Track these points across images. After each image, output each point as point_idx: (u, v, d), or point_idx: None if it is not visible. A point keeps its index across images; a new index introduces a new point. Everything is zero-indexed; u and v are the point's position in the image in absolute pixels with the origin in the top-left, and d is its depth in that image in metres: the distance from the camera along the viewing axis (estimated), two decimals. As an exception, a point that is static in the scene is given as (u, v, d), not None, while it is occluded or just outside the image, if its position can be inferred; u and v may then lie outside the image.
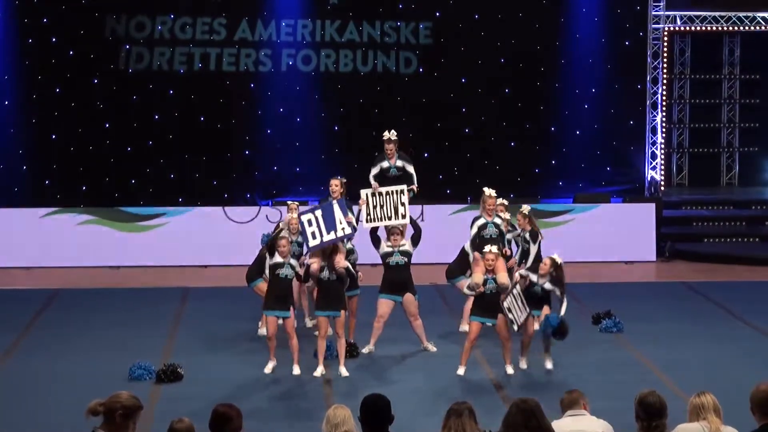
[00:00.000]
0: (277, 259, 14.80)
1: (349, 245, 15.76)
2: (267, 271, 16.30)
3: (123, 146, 24.36)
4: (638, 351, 15.85)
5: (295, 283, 15.61)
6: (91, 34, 24.31)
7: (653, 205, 23.45)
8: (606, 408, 9.76)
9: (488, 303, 14.61)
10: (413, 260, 15.89)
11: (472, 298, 16.77)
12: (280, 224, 16.83)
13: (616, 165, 25.81)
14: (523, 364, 14.89)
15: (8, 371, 15.11)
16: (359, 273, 15.57)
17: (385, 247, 15.69)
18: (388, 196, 16.47)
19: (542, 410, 7.08)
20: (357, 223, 15.67)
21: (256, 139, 24.80)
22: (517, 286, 14.81)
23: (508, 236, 16.54)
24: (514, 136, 25.32)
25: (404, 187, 16.55)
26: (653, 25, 25.39)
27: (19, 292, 20.18)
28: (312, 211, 15.38)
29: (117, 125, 24.37)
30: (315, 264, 14.87)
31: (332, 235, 15.19)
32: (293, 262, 14.96)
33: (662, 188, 25.57)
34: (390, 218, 16.51)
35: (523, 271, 15.09)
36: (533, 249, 16.70)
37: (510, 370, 14.71)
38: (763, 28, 25.85)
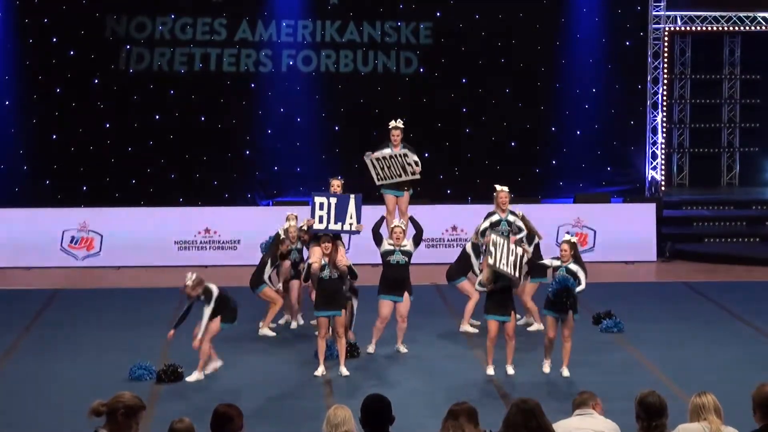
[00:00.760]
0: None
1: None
2: (266, 276, 16.40)
3: (123, 146, 24.37)
4: (638, 351, 15.84)
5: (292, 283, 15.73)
6: (91, 35, 24.32)
7: (653, 205, 23.44)
8: (607, 408, 9.74)
9: (501, 299, 14.57)
10: (412, 260, 15.85)
11: (473, 299, 16.85)
12: (279, 231, 16.86)
13: (617, 165, 25.82)
14: (546, 368, 14.73)
15: (8, 371, 15.11)
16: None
17: (386, 245, 15.60)
18: (392, 159, 16.54)
19: (542, 410, 7.08)
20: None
21: (256, 140, 24.81)
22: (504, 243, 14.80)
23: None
24: (514, 137, 25.33)
25: (407, 151, 16.62)
26: (654, 25, 25.39)
27: (20, 292, 20.18)
28: (327, 196, 15.42)
29: (117, 125, 24.38)
30: (316, 263, 14.86)
31: (338, 226, 15.24)
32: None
33: (663, 188, 25.57)
34: (400, 175, 16.60)
35: (546, 261, 15.07)
36: (530, 249, 16.75)
37: (510, 370, 14.65)
38: (763, 28, 25.85)
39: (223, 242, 22.29)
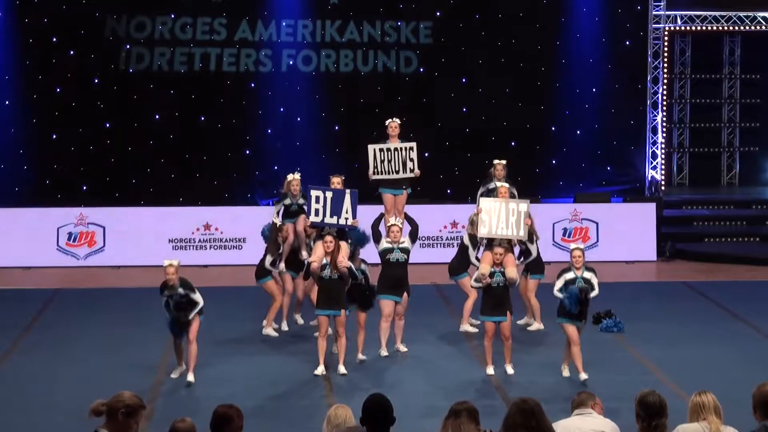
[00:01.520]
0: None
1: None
2: (268, 264, 16.40)
3: (123, 146, 24.38)
4: (638, 351, 15.85)
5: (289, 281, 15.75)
6: (91, 35, 24.34)
7: (654, 204, 23.44)
8: (607, 408, 9.74)
9: (496, 298, 14.54)
10: (411, 259, 15.82)
11: (472, 298, 16.84)
12: (275, 220, 16.81)
13: (617, 165, 25.83)
14: (566, 372, 14.60)
15: (8, 371, 15.11)
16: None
17: (384, 243, 15.60)
18: (396, 152, 16.53)
19: (542, 410, 7.07)
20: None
21: (256, 139, 24.82)
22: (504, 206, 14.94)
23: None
24: (514, 136, 25.33)
25: (413, 144, 16.65)
26: (654, 25, 25.40)
27: (19, 292, 20.18)
28: (323, 190, 15.43)
29: (117, 125, 24.40)
30: (315, 263, 14.83)
31: (334, 220, 15.23)
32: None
33: (663, 188, 25.57)
34: (398, 172, 16.57)
35: (559, 283, 14.35)
36: (532, 248, 16.78)
37: (510, 370, 14.66)
38: (763, 27, 25.86)
39: (225, 241, 22.30)
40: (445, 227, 22.39)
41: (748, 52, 27.59)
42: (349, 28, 24.95)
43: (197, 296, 14.37)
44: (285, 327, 17.06)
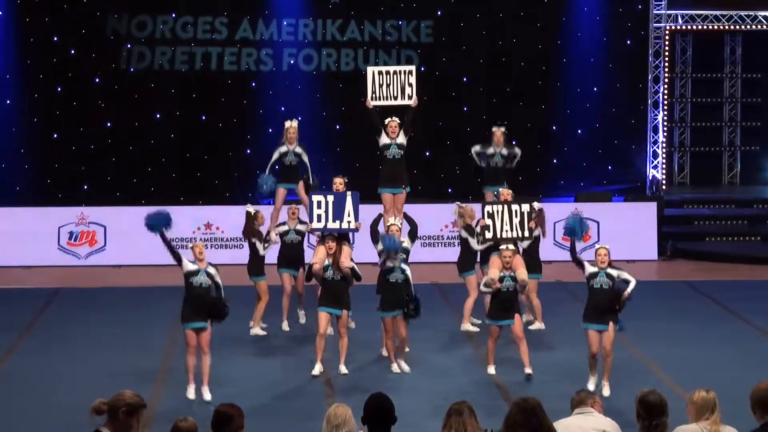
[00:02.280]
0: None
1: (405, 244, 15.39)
2: (263, 252, 16.41)
3: (124, 145, 24.39)
4: (639, 350, 15.84)
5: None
6: (92, 34, 24.35)
7: (655, 204, 23.44)
8: (607, 407, 9.75)
9: (505, 302, 14.42)
10: (411, 259, 15.79)
11: (472, 297, 16.87)
12: (249, 209, 16.86)
13: (618, 164, 25.84)
14: (591, 385, 13.75)
15: (9, 370, 15.12)
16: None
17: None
18: (395, 75, 16.47)
19: (543, 409, 7.07)
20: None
21: (257, 139, 24.81)
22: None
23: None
24: (515, 135, 25.29)
25: (413, 67, 16.60)
26: (655, 24, 25.40)
27: (20, 291, 20.19)
28: (325, 195, 15.39)
29: (118, 124, 24.40)
30: (317, 264, 14.78)
31: (336, 224, 15.19)
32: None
33: (664, 187, 25.57)
34: (396, 98, 16.54)
35: (592, 269, 13.86)
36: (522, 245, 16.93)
37: (528, 370, 14.46)
38: (764, 27, 25.84)
39: (225, 240, 22.31)
40: (446, 226, 22.38)
41: (749, 51, 27.58)
42: (350, 27, 24.96)
43: (220, 279, 13.82)
44: (286, 327, 17.05)
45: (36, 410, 13.40)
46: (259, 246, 16.83)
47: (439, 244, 22.34)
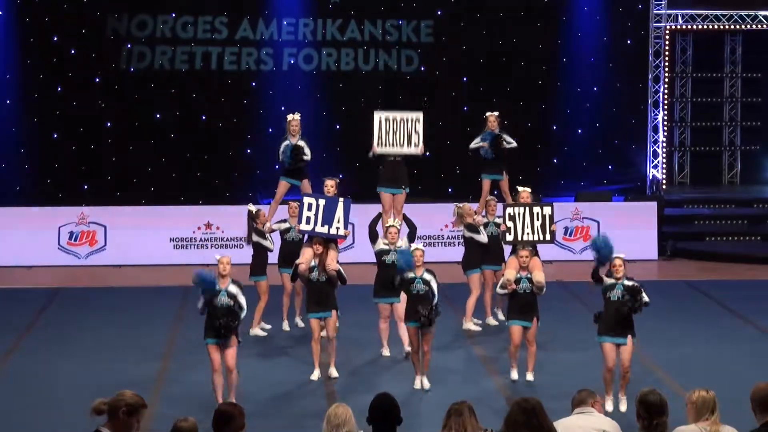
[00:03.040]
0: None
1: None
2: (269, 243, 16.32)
3: (124, 145, 24.38)
4: (639, 349, 15.81)
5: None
6: (92, 33, 24.34)
7: (655, 203, 23.44)
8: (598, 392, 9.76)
9: (523, 304, 14.22)
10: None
11: (474, 295, 16.89)
12: (250, 209, 16.86)
13: (618, 164, 25.83)
14: (609, 405, 13.15)
15: (10, 370, 15.12)
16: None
17: (381, 244, 15.44)
18: (402, 123, 16.47)
19: (544, 409, 7.07)
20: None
21: (257, 138, 24.81)
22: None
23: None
24: (515, 135, 25.24)
25: (420, 114, 16.61)
26: (655, 24, 25.39)
27: (21, 291, 20.19)
28: (317, 197, 15.36)
29: (118, 124, 24.40)
30: (303, 264, 14.68)
31: (325, 229, 15.13)
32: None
33: (664, 187, 25.56)
34: (402, 145, 16.52)
35: (608, 280, 13.39)
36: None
37: (530, 377, 14.32)
38: (764, 26, 25.84)
39: (226, 240, 22.32)
40: (446, 226, 22.37)
41: (749, 50, 27.57)
42: (350, 26, 24.95)
43: (243, 300, 13.36)
44: (286, 327, 17.05)
45: (36, 410, 13.39)
46: (265, 243, 16.82)
47: (439, 244, 22.35)
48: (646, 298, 13.28)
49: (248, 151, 24.91)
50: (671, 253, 23.10)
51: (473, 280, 17.07)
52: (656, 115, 25.48)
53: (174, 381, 14.49)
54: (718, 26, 25.95)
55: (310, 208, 15.19)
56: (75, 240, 22.22)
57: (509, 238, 15.21)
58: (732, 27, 26.16)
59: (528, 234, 14.91)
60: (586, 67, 25.42)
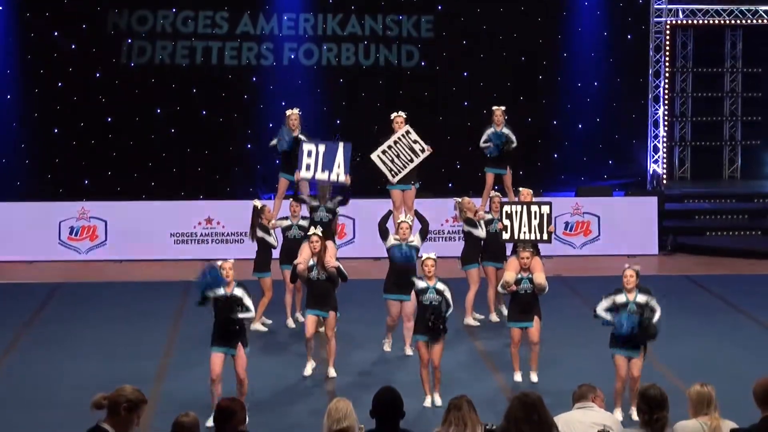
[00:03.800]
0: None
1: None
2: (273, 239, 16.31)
3: (125, 140, 24.38)
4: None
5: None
6: (92, 28, 24.33)
7: (655, 198, 23.45)
8: (608, 402, 9.77)
9: (524, 304, 14.17)
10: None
11: (473, 291, 16.90)
12: (256, 204, 16.86)
13: (618, 158, 25.83)
14: (618, 415, 12.59)
15: (10, 365, 15.13)
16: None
17: (392, 240, 15.33)
18: (397, 145, 16.46)
19: (544, 404, 7.08)
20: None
21: (258, 133, 24.80)
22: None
23: None
24: (515, 130, 25.26)
25: (405, 128, 16.60)
26: (655, 19, 25.38)
27: (21, 286, 20.19)
28: (316, 143, 15.31)
29: (119, 119, 24.39)
30: (301, 264, 14.58)
31: (325, 175, 15.10)
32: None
33: (664, 182, 25.56)
34: (412, 160, 16.51)
35: (620, 298, 13.10)
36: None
37: (534, 377, 14.22)
38: (765, 21, 25.82)
39: (226, 235, 22.33)
40: (447, 221, 22.40)
41: (749, 45, 27.56)
42: (351, 21, 24.94)
43: (250, 302, 13.00)
44: (291, 324, 17.02)
45: (37, 405, 13.41)
46: (270, 239, 16.83)
47: (440, 239, 22.35)
48: (656, 316, 12.90)
49: (249, 146, 24.90)
50: (671, 248, 23.11)
51: (472, 275, 17.08)
52: (657, 109, 25.48)
53: (174, 376, 14.49)
54: (719, 21, 25.93)
55: (309, 155, 15.15)
56: (75, 235, 22.23)
57: (506, 236, 15.19)
58: (732, 22, 26.14)
59: (525, 233, 14.85)
60: (586, 62, 25.42)
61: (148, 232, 22.25)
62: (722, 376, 12.94)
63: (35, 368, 14.89)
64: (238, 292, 12.85)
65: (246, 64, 24.85)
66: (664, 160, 25.66)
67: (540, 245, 15.75)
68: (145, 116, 24.45)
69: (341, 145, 15.17)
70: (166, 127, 24.63)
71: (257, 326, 16.72)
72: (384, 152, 16.48)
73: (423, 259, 13.86)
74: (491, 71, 25.08)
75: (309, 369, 14.53)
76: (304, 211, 16.70)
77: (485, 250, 17.22)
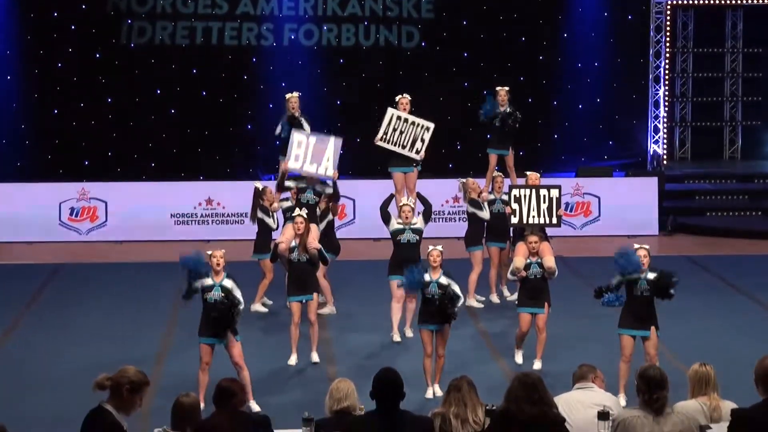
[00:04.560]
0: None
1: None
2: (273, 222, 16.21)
3: (125, 121, 24.36)
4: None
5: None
6: (93, 9, 24.28)
7: (656, 179, 23.43)
8: (609, 381, 9.78)
9: (533, 290, 14.04)
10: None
11: (476, 272, 16.88)
12: (257, 186, 16.84)
13: (619, 139, 25.82)
14: (622, 401, 12.30)
15: (11, 346, 15.15)
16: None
17: (395, 224, 15.25)
18: (412, 126, 16.42)
19: (544, 384, 7.10)
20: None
21: (258, 114, 24.78)
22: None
23: None
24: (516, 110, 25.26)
25: (432, 125, 16.54)
26: (656, -1, 25.35)
27: (22, 267, 20.19)
28: (308, 135, 15.30)
29: (119, 100, 24.38)
30: (283, 244, 14.40)
31: (313, 168, 15.09)
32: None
33: (665, 162, 25.55)
34: (404, 147, 16.45)
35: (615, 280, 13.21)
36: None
37: (538, 365, 14.03)
38: (765, 1, 25.78)
39: (227, 216, 22.33)
40: (447, 202, 22.39)
41: (750, 25, 27.50)
42: (351, 2, 24.89)
43: (239, 294, 12.70)
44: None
45: (38, 386, 13.43)
46: (269, 221, 16.82)
47: (441, 219, 22.33)
48: (672, 289, 12.94)
49: (249, 126, 24.89)
50: (672, 229, 23.10)
51: (476, 256, 17.06)
52: (657, 90, 25.44)
53: (175, 357, 14.50)
54: (720, 1, 25.88)
55: (300, 146, 15.13)
56: (76, 216, 22.22)
57: (514, 220, 15.14)
58: (733, 2, 26.08)
59: (534, 217, 14.80)
60: (586, 42, 25.38)
61: (149, 213, 22.25)
62: (722, 357, 12.96)
63: (36, 349, 14.92)
64: (228, 283, 12.64)
65: (246, 44, 24.81)
66: (665, 141, 25.65)
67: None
68: (145, 97, 24.43)
69: (332, 139, 15.15)
70: (166, 107, 24.61)
71: (258, 307, 16.73)
72: (398, 118, 16.47)
73: (429, 250, 13.64)
74: (491, 52, 25.04)
75: (293, 360, 14.25)
76: None
77: (488, 230, 17.21)
